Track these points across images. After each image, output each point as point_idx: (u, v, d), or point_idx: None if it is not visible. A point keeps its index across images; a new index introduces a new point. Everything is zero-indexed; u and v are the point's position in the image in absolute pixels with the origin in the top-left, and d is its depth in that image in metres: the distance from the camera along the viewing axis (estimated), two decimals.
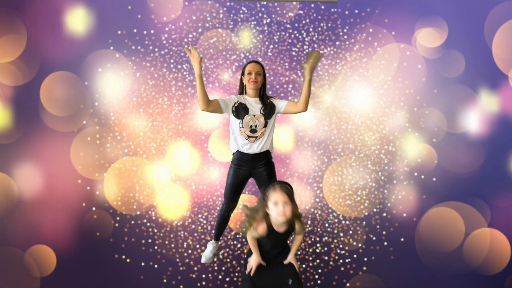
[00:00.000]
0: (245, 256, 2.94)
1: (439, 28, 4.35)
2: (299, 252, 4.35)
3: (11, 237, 4.22)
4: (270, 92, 4.34)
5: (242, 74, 3.17)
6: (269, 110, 3.11)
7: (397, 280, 4.34)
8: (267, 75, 4.34)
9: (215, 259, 4.30)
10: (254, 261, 2.75)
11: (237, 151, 3.13)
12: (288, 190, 2.58)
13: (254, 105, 3.09)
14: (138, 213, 4.33)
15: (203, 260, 3.50)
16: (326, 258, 4.37)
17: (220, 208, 3.40)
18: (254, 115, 3.06)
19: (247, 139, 3.06)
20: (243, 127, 3.06)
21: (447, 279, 4.35)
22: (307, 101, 3.03)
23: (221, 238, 4.28)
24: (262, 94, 3.13)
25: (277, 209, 2.52)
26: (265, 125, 3.08)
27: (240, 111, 3.07)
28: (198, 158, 4.38)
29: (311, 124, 4.42)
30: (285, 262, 2.78)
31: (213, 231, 3.51)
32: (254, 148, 3.09)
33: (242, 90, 3.19)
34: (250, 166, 3.11)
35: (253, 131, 3.04)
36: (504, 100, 4.38)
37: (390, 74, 4.39)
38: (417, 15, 4.35)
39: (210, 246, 3.52)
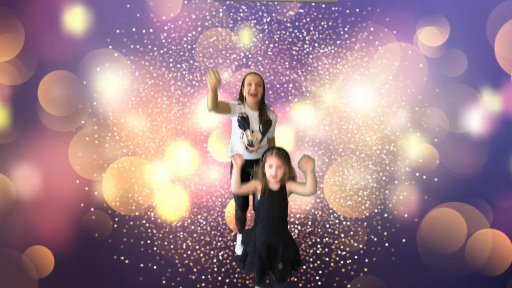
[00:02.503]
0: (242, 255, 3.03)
1: (441, 27, 4.32)
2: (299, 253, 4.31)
3: (9, 238, 4.19)
4: (270, 92, 4.31)
5: (242, 85, 3.18)
6: (267, 127, 3.20)
7: (399, 281, 4.31)
8: (267, 74, 4.33)
9: (215, 260, 4.28)
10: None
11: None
12: (283, 156, 2.89)
13: (254, 120, 3.15)
14: (137, 213, 4.30)
15: (239, 253, 3.55)
16: (327, 259, 4.34)
17: (234, 212, 3.47)
18: (253, 131, 3.14)
19: (245, 150, 3.18)
20: (242, 137, 3.16)
21: (449, 281, 4.31)
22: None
23: (221, 239, 4.27)
24: (261, 106, 3.17)
25: (271, 171, 2.87)
26: (261, 141, 3.19)
27: (243, 123, 3.13)
28: (197, 158, 4.35)
29: (312, 124, 4.39)
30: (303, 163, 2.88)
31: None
32: (250, 156, 3.21)
33: (241, 100, 3.21)
34: (248, 167, 3.18)
35: (250, 145, 3.16)
36: (507, 100, 4.35)
37: (391, 73, 4.36)
38: (419, 14, 4.32)
39: (240, 239, 3.57)
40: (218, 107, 3.00)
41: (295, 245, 3.00)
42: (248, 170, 3.23)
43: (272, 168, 2.87)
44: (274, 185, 2.93)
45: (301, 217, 4.35)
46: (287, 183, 2.94)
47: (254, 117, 3.15)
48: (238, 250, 3.59)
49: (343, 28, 4.35)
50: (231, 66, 4.32)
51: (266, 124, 3.17)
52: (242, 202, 3.35)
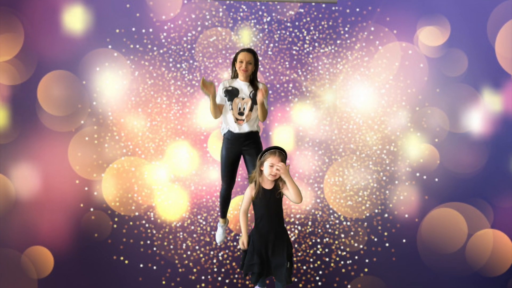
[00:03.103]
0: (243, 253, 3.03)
1: (442, 26, 4.31)
2: (299, 254, 4.31)
3: (8, 238, 4.18)
4: (270, 92, 4.29)
5: (234, 60, 3.34)
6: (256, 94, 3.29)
7: (399, 282, 4.30)
8: (267, 74, 4.31)
9: (215, 261, 4.27)
10: (243, 239, 3.00)
11: (228, 130, 3.32)
12: (283, 157, 2.94)
13: (244, 88, 3.28)
14: (137, 214, 4.28)
15: (218, 240, 3.67)
16: (327, 259, 4.32)
17: (220, 190, 3.51)
18: (243, 98, 3.27)
19: (235, 122, 3.26)
20: (232, 109, 3.26)
21: (449, 281, 4.30)
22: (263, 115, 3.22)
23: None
24: (253, 79, 3.33)
25: (271, 170, 2.89)
26: (251, 109, 3.27)
27: (231, 94, 3.28)
28: (197, 158, 4.34)
29: (312, 124, 4.37)
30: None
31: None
32: (242, 128, 3.28)
33: (233, 74, 3.38)
34: (240, 144, 3.30)
35: (241, 113, 3.26)
36: (507, 100, 4.33)
37: (391, 73, 4.35)
38: (419, 14, 4.30)
39: (220, 228, 3.65)
40: (220, 112, 3.28)
41: (290, 242, 3.05)
42: (242, 150, 3.31)
43: (273, 168, 2.89)
44: (267, 184, 2.96)
45: (301, 217, 4.34)
46: (280, 182, 2.97)
47: (244, 85, 3.29)
48: (218, 237, 3.66)
49: (344, 27, 4.33)
50: (231, 66, 4.30)
51: (257, 92, 3.30)
52: (229, 178, 3.40)
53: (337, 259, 4.32)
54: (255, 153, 3.26)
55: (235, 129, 3.27)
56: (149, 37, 4.27)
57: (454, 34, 4.29)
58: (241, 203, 3.02)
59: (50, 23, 4.21)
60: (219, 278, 4.27)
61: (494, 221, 4.32)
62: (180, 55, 4.30)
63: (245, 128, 3.27)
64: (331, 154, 4.37)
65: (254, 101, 3.25)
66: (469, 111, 4.35)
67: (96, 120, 4.27)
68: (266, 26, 4.32)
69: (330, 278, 4.30)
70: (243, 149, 3.31)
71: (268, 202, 2.94)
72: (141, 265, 4.25)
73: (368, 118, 4.36)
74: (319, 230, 4.34)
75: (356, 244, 4.34)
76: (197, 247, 4.29)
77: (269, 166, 2.90)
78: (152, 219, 4.29)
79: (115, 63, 4.26)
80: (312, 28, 4.33)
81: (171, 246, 4.29)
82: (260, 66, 4.31)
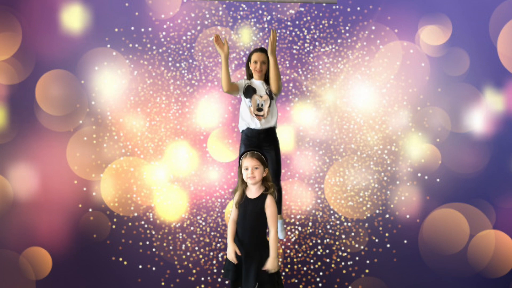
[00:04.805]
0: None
1: (443, 25, 4.28)
2: (299, 254, 4.27)
3: (6, 239, 4.15)
4: None
5: (249, 60, 3.45)
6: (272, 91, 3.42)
7: (400, 283, 4.27)
8: None
9: (214, 262, 4.24)
10: (229, 251, 2.81)
11: (247, 127, 3.38)
12: (258, 156, 2.84)
13: (260, 87, 3.41)
14: (136, 214, 4.26)
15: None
16: (328, 260, 4.29)
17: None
18: (261, 96, 3.38)
19: (255, 117, 3.35)
20: (251, 105, 3.36)
21: (451, 282, 4.27)
22: (277, 83, 3.29)
23: (221, 240, 4.23)
24: (267, 78, 3.43)
25: (247, 173, 2.80)
26: (270, 105, 3.38)
27: (249, 91, 3.39)
28: (196, 158, 4.31)
29: (313, 123, 4.35)
30: (264, 268, 2.73)
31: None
32: (261, 124, 3.36)
33: (248, 74, 3.48)
34: (259, 140, 3.36)
35: (260, 109, 3.36)
36: (510, 99, 4.30)
37: (393, 72, 4.32)
38: (421, 12, 4.28)
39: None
40: (232, 85, 3.33)
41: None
42: (262, 147, 3.34)
43: (248, 170, 2.79)
44: (252, 193, 2.83)
45: (302, 218, 4.31)
46: (270, 198, 2.79)
47: (260, 84, 3.41)
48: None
49: (344, 26, 4.31)
50: (231, 65, 4.28)
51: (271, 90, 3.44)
52: None
53: (338, 260, 4.29)
54: (274, 154, 3.36)
55: (255, 125, 3.35)
56: (148, 36, 4.25)
57: (455, 33, 4.27)
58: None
59: (48, 22, 4.19)
60: (219, 280, 4.24)
61: (496, 222, 4.29)
62: (179, 54, 4.27)
63: (264, 124, 3.35)
64: (331, 154, 4.34)
65: (271, 98, 3.37)
66: (471, 110, 4.32)
67: (94, 120, 4.24)
68: (266, 25, 4.29)
69: (331, 279, 4.27)
70: (264, 145, 3.36)
71: (245, 213, 2.78)
72: (140, 266, 4.22)
73: (369, 118, 4.33)
74: (320, 231, 4.31)
75: (357, 245, 4.31)
76: (196, 248, 4.27)
77: (244, 170, 2.81)
78: (151, 219, 4.26)
79: (114, 63, 4.24)
80: (312, 27, 4.30)
81: (170, 247, 4.26)
82: None
